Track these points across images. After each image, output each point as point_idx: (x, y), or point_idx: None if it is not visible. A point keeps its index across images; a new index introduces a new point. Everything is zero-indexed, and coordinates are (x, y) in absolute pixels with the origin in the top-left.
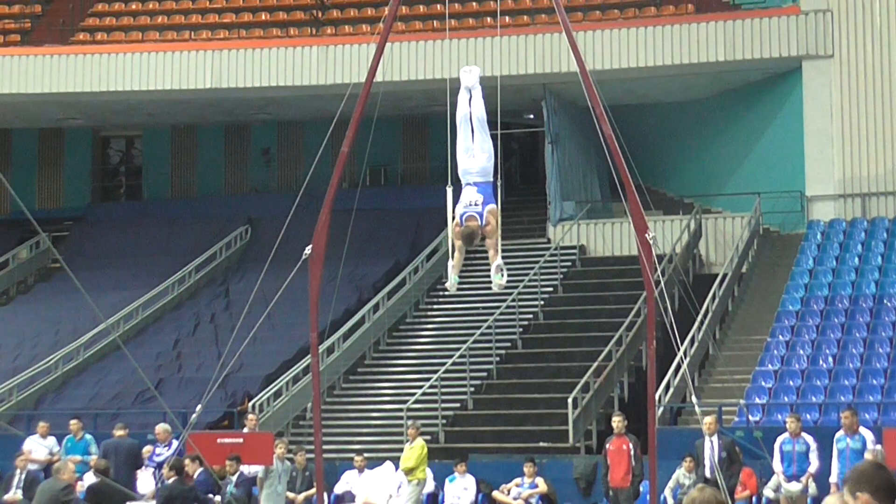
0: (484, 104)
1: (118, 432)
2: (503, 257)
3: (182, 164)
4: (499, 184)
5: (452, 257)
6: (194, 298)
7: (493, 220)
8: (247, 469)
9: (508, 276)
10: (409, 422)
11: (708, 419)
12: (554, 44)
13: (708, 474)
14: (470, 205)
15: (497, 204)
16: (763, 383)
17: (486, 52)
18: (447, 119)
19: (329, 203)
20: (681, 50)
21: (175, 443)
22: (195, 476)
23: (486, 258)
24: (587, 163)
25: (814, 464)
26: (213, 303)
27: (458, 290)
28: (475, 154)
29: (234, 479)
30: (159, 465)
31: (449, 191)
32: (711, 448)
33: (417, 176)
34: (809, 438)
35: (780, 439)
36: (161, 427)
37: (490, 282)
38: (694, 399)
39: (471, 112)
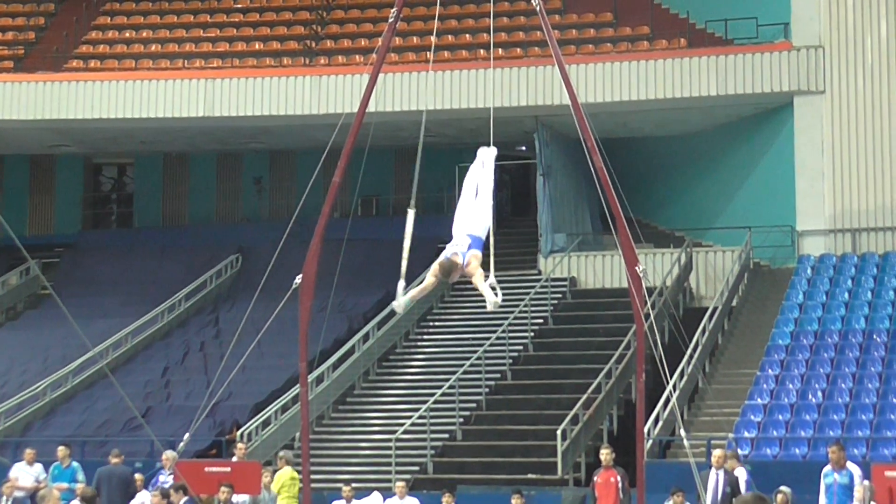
0: (494, 181)
1: (114, 459)
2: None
3: (174, 192)
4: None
5: (419, 285)
6: (184, 327)
7: (474, 261)
8: (235, 498)
9: (500, 308)
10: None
11: (717, 452)
12: (547, 76)
13: None
14: (456, 246)
15: (481, 251)
16: (752, 417)
17: (479, 83)
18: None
19: (320, 232)
20: (673, 84)
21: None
22: None
23: (475, 289)
24: (579, 195)
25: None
26: (202, 331)
27: (449, 321)
28: (473, 218)
29: None
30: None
31: (410, 213)
32: (716, 482)
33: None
34: (855, 469)
35: (823, 471)
36: (169, 454)
37: (481, 311)
38: (683, 432)
39: (479, 184)
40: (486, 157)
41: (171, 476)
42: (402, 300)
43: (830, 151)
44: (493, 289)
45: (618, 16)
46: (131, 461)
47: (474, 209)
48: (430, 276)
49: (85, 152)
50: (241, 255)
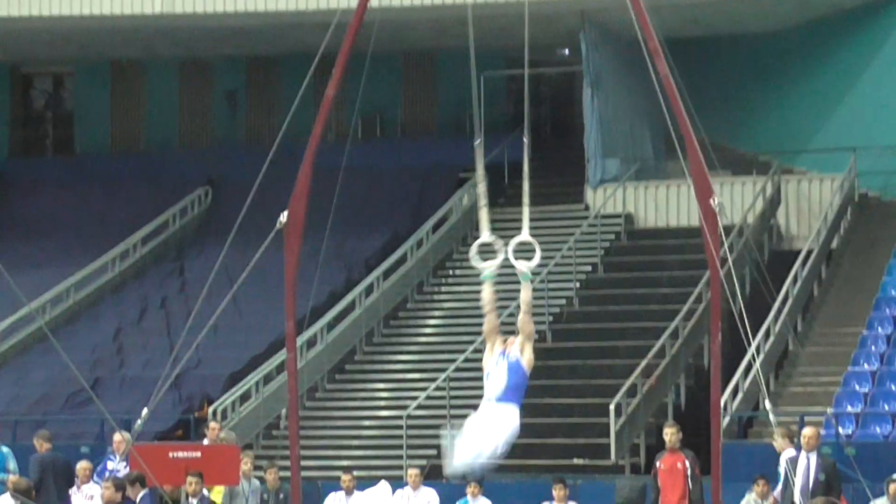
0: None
1: (45, 444)
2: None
3: (125, 109)
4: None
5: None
6: (140, 278)
7: (526, 348)
8: (207, 490)
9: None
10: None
11: (808, 431)
12: None
13: (797, 500)
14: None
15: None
16: (857, 387)
17: None
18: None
19: (310, 159)
20: None
21: None
22: (138, 500)
23: (508, 226)
24: (636, 111)
25: None
26: (164, 283)
27: (473, 268)
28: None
29: (195, 502)
30: None
31: (478, 146)
32: (807, 468)
33: (421, 126)
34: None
35: None
36: (119, 437)
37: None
38: (769, 406)
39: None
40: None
41: (124, 463)
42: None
43: None
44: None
45: None
46: (75, 445)
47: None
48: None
49: (11, 60)
50: (210, 189)
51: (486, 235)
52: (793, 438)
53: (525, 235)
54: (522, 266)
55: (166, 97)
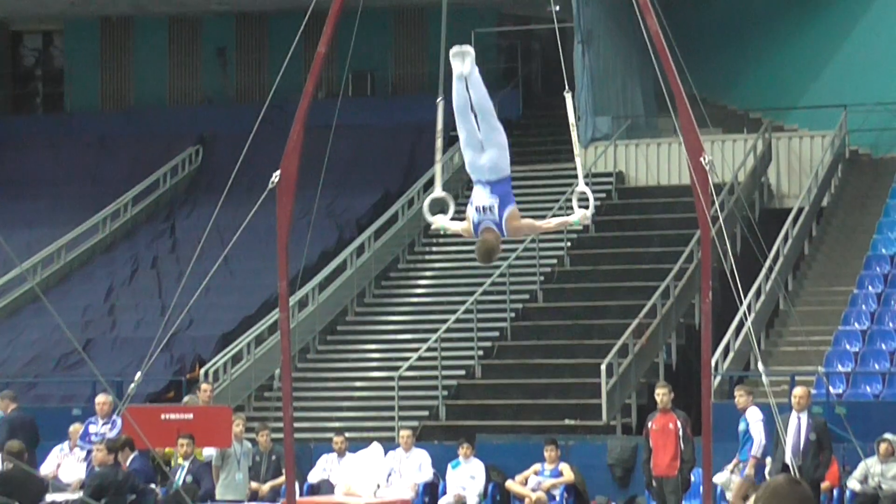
0: (485, 88)
1: (10, 404)
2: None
3: (115, 66)
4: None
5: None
6: (131, 237)
7: (515, 223)
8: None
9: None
10: (396, 392)
11: (798, 391)
12: None
13: (788, 460)
14: (484, 211)
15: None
16: (848, 346)
17: None
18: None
19: (301, 117)
20: None
21: (117, 420)
22: (128, 464)
23: None
24: (627, 68)
25: None
26: (155, 243)
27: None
28: (484, 148)
29: (186, 464)
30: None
31: (440, 105)
32: (797, 428)
33: (413, 83)
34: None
35: None
36: (102, 398)
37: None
38: (760, 366)
39: (471, 101)
40: (463, 67)
41: (109, 426)
42: (433, 218)
43: None
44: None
45: None
46: (66, 407)
47: (484, 141)
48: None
49: (0, 17)
50: (201, 147)
51: (437, 191)
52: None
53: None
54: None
55: (156, 54)
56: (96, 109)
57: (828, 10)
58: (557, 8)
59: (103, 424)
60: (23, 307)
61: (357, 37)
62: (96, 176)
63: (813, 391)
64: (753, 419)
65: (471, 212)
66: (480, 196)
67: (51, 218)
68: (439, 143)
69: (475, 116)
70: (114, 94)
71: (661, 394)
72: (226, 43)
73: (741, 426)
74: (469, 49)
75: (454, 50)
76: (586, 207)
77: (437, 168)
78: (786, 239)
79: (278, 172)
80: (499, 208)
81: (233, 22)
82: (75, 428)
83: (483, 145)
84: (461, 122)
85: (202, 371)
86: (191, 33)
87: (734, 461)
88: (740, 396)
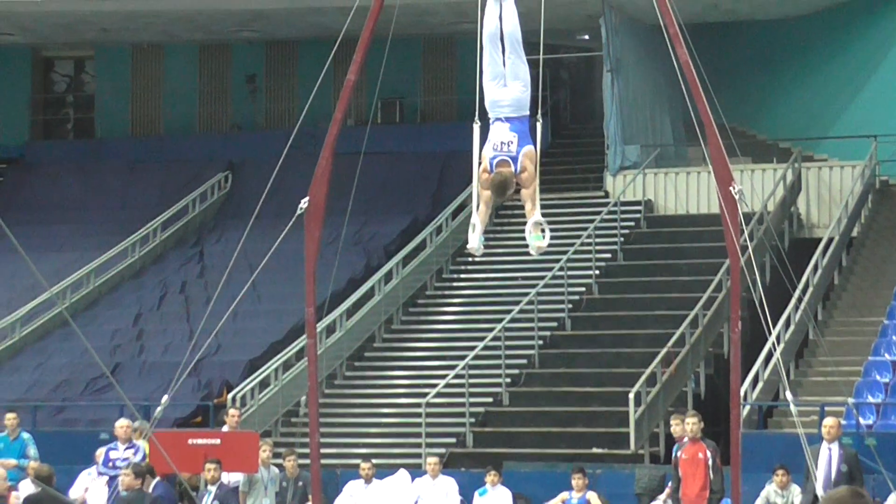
0: (518, 19)
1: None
2: (545, 213)
3: (145, 93)
4: (538, 123)
5: (477, 212)
6: (160, 263)
7: (529, 165)
8: (226, 478)
9: (557, 238)
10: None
11: (829, 421)
12: None
13: (820, 491)
14: (501, 146)
15: (536, 145)
16: (878, 377)
17: None
18: (477, 40)
19: (331, 144)
20: None
21: (141, 443)
22: (150, 490)
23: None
24: (656, 97)
25: None
26: (183, 268)
27: (493, 255)
28: (507, 82)
29: (213, 489)
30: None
31: (475, 128)
32: (829, 459)
33: (441, 111)
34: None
35: None
36: (123, 423)
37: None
38: (789, 396)
39: (501, 29)
40: None
41: (132, 450)
42: (476, 238)
43: None
44: (541, 228)
45: None
46: (95, 432)
47: (508, 74)
48: (482, 204)
49: (33, 43)
50: (230, 173)
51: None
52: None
53: (538, 216)
54: (535, 242)
55: (186, 81)
56: (126, 135)
57: (858, 40)
58: (587, 37)
59: (125, 449)
60: (52, 331)
61: (386, 64)
62: (126, 201)
63: (843, 422)
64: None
65: (487, 151)
66: (499, 132)
67: (80, 243)
68: (476, 164)
69: (503, 48)
70: (144, 120)
71: (691, 423)
72: (255, 70)
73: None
74: None
75: None
76: (543, 237)
77: (475, 189)
78: (815, 269)
79: (307, 199)
80: (518, 143)
81: (262, 49)
82: (99, 452)
83: (507, 79)
84: (489, 50)
85: (230, 396)
86: (221, 60)
87: (667, 490)
88: (676, 425)
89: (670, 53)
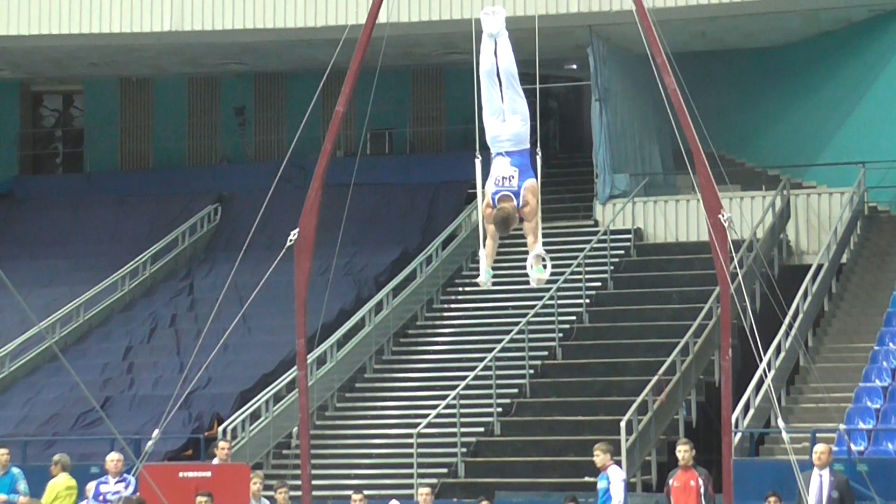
0: (514, 55)
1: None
2: (544, 244)
3: (134, 127)
4: (537, 154)
5: (484, 246)
6: (150, 296)
7: (532, 198)
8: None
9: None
10: (415, 449)
11: (820, 448)
12: None
13: None
14: (503, 181)
15: (537, 177)
16: (869, 403)
17: None
18: (468, 70)
19: (320, 176)
20: None
21: (130, 479)
22: None
23: (517, 242)
24: (645, 125)
25: None
26: (173, 301)
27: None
28: (506, 118)
29: None
30: None
31: (477, 163)
32: (820, 485)
33: (430, 142)
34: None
35: None
36: (115, 456)
37: (524, 274)
38: (781, 423)
39: (497, 66)
40: (493, 28)
41: (120, 484)
42: (486, 274)
43: None
44: (542, 260)
45: None
46: (85, 466)
47: (506, 109)
48: (489, 238)
49: (21, 77)
50: (220, 205)
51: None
52: (613, 454)
53: (540, 249)
54: (536, 274)
55: (175, 114)
56: (115, 169)
57: (845, 68)
58: (575, 67)
59: (116, 483)
60: (41, 365)
61: (375, 96)
62: (115, 234)
63: (834, 448)
64: (615, 478)
65: (489, 186)
66: (500, 167)
67: (70, 277)
68: (480, 197)
69: (500, 83)
70: (133, 154)
71: (683, 451)
72: (244, 102)
73: (601, 484)
74: (500, 9)
75: (486, 9)
76: (545, 269)
77: (480, 220)
78: (805, 295)
79: (296, 230)
80: (519, 177)
81: (251, 81)
82: (90, 486)
83: (505, 114)
84: (487, 86)
85: (220, 429)
86: (210, 93)
87: None
88: (599, 454)
89: (658, 82)
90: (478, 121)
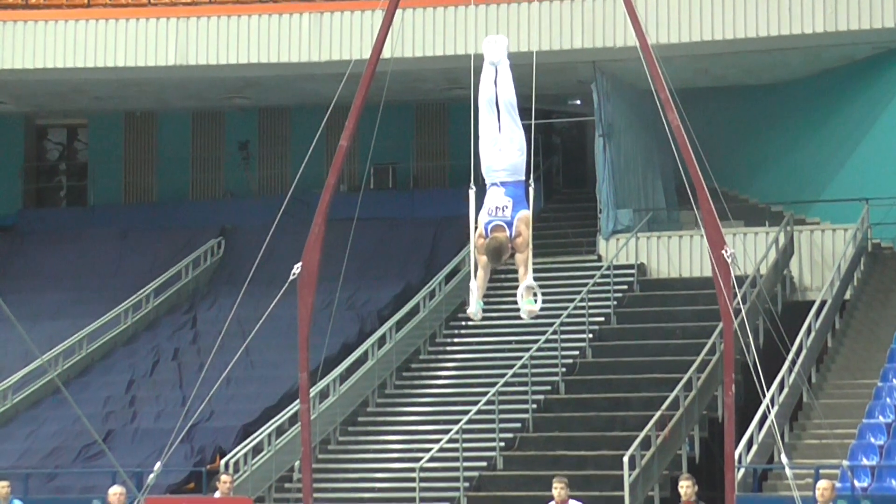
0: (514, 85)
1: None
2: (538, 277)
3: (138, 160)
4: (531, 186)
5: (475, 277)
6: (153, 329)
7: (524, 229)
8: None
9: (550, 302)
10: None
11: (823, 484)
12: (607, 11)
13: None
14: (496, 211)
15: (530, 208)
16: (873, 439)
17: (520, 20)
18: (471, 106)
19: (323, 210)
20: (768, 19)
21: None
22: None
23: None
24: (648, 161)
25: None
26: (176, 335)
27: (486, 319)
28: (502, 147)
29: None
30: None
31: (471, 193)
32: None
33: (434, 177)
34: None
35: None
36: (117, 489)
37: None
38: (784, 459)
39: (497, 94)
40: (494, 56)
41: None
42: (475, 303)
43: None
44: (533, 292)
45: None
46: (87, 498)
47: (503, 139)
48: (480, 269)
49: (25, 111)
50: (223, 239)
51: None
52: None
53: (530, 281)
54: (527, 307)
55: (179, 148)
56: (119, 203)
57: (848, 105)
58: (579, 102)
59: None
60: (44, 398)
61: (379, 131)
62: (118, 268)
63: (838, 485)
64: None
65: (482, 216)
66: (494, 197)
67: (72, 310)
68: (473, 228)
69: (498, 113)
70: (137, 188)
71: (685, 486)
72: (248, 137)
73: None
74: (503, 38)
75: (488, 38)
76: (535, 302)
77: (472, 254)
78: (809, 332)
79: (300, 264)
80: (512, 208)
81: (255, 116)
82: None
83: (502, 144)
84: (485, 115)
85: (223, 462)
86: (213, 127)
87: None
88: (561, 489)
89: (662, 118)
90: (473, 152)
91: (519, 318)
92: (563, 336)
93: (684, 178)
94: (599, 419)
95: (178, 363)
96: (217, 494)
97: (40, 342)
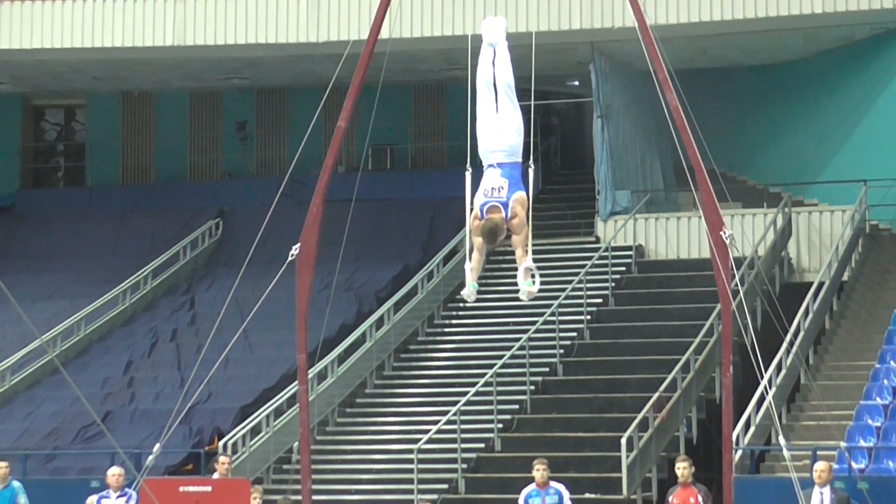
0: (512, 66)
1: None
2: (536, 259)
3: (136, 141)
4: (530, 168)
5: (470, 259)
6: (151, 310)
7: (520, 210)
8: None
9: (548, 283)
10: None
11: (820, 465)
12: None
13: None
14: (492, 192)
15: (528, 190)
16: (870, 421)
17: (518, 1)
18: (468, 86)
19: (321, 191)
20: (766, 0)
21: (132, 493)
22: None
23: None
24: (646, 142)
25: None
26: (174, 316)
27: (484, 301)
28: (500, 128)
29: None
30: None
31: (468, 175)
32: (821, 503)
33: (432, 158)
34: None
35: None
36: (115, 470)
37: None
38: (781, 440)
39: (495, 75)
40: (492, 36)
41: (121, 499)
42: (471, 287)
43: None
44: (531, 274)
45: None
46: (86, 479)
47: (500, 120)
48: (475, 251)
49: (23, 91)
50: (221, 220)
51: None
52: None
53: (530, 262)
54: (526, 287)
55: (177, 129)
56: (117, 183)
57: (847, 85)
58: (577, 83)
59: (117, 497)
60: (42, 379)
61: (377, 111)
62: (117, 249)
63: (835, 466)
64: (566, 494)
65: (478, 197)
66: (491, 178)
67: (71, 291)
68: (469, 210)
69: (496, 94)
70: (135, 169)
71: (683, 468)
72: (246, 117)
73: (552, 500)
74: (502, 19)
75: (487, 19)
76: (533, 283)
77: (468, 235)
78: (806, 313)
79: (298, 245)
80: (508, 189)
81: (253, 96)
82: (91, 500)
83: (500, 125)
84: (482, 96)
85: (221, 443)
86: (211, 108)
87: None
88: (543, 469)
89: (660, 99)
90: (470, 133)
91: (517, 299)
92: (562, 318)
93: (682, 159)
94: (597, 401)
95: (177, 344)
96: (215, 475)
97: (38, 323)
